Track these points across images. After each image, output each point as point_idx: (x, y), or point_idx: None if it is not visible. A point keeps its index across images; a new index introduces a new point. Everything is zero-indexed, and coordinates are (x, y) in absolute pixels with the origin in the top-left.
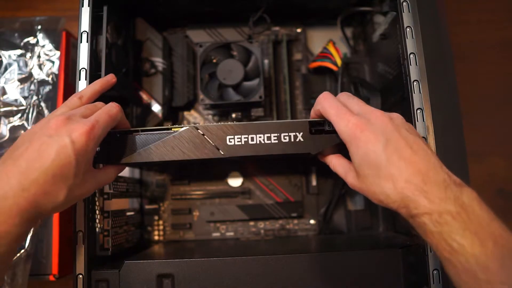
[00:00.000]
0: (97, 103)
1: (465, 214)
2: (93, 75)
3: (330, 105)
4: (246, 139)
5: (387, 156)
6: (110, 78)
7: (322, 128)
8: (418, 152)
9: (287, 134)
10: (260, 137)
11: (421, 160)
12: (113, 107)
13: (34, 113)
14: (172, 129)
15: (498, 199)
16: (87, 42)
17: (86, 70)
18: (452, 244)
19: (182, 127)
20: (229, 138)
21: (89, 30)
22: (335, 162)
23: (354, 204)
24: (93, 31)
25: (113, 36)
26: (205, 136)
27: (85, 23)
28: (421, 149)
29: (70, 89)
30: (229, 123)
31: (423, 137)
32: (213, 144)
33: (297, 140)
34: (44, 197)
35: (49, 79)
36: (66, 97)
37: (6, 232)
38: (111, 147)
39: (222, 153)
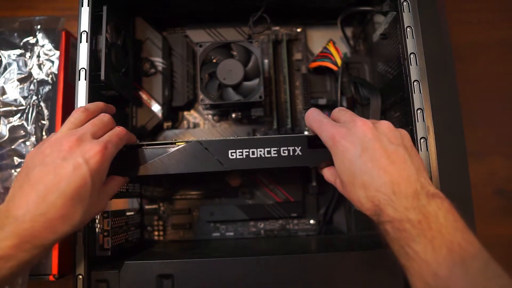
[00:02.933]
0: (101, 115)
1: (426, 222)
2: (92, 75)
3: (313, 119)
4: (247, 153)
5: (361, 164)
6: (113, 107)
7: (320, 142)
8: (395, 162)
9: (286, 148)
10: (260, 151)
11: (396, 171)
12: (121, 130)
13: (34, 113)
14: (176, 143)
15: (498, 199)
16: (86, 42)
17: (85, 70)
18: (408, 251)
19: (186, 142)
20: (231, 152)
21: (89, 30)
22: (327, 173)
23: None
24: (93, 31)
25: (112, 36)
26: (208, 150)
27: (84, 23)
28: (399, 159)
29: (70, 89)
30: (231, 138)
31: (423, 138)
32: (215, 157)
33: (296, 154)
34: (61, 220)
35: (49, 79)
36: (66, 97)
37: (11, 256)
38: (118, 160)
39: (224, 166)
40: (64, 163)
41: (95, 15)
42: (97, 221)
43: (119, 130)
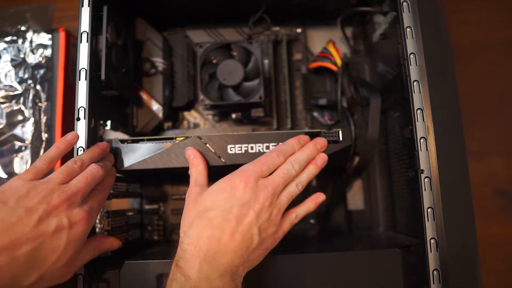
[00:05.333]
0: (95, 169)
1: None
2: (93, 75)
3: None
4: (246, 148)
5: None
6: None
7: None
8: None
9: None
10: (259, 146)
11: None
12: (103, 196)
13: (31, 96)
14: (176, 138)
15: (498, 199)
16: (87, 42)
17: (86, 70)
18: None
19: (186, 137)
20: (230, 147)
21: (89, 30)
22: None
23: (354, 204)
24: (93, 31)
25: (113, 36)
26: (207, 145)
27: (85, 23)
28: None
29: (70, 89)
30: (231, 133)
31: (423, 137)
32: (215, 152)
33: None
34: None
35: (43, 62)
36: (66, 97)
37: None
38: (118, 154)
39: (223, 161)
40: (49, 220)
41: (95, 15)
42: (97, 221)
43: (101, 196)
